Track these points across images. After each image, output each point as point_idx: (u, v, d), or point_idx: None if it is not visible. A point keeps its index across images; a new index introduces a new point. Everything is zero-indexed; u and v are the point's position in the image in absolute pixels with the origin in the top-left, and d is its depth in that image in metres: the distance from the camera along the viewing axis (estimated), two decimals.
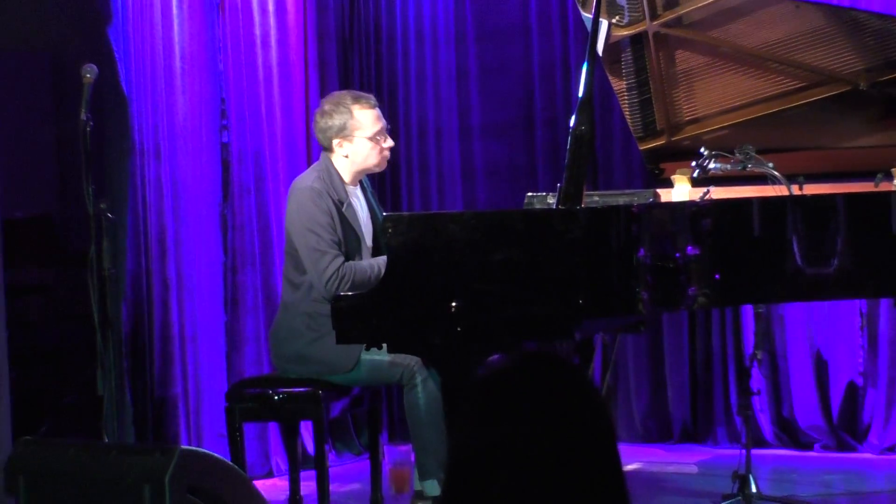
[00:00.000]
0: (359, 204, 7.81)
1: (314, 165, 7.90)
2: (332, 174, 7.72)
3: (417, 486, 7.68)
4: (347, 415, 9.33)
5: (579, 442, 2.51)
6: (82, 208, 7.49)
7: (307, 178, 7.78)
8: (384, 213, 7.61)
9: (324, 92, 9.56)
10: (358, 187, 7.84)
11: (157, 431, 8.74)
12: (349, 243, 7.66)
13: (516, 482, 2.47)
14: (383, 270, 7.04)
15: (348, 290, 7.40)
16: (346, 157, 7.71)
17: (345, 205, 7.69)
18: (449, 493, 2.55)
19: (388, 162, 7.91)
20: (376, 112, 7.75)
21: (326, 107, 7.76)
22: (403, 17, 9.94)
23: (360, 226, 7.72)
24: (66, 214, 9.12)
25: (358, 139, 7.69)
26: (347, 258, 7.62)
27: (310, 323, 7.61)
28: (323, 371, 7.65)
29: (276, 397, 7.80)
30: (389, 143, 7.82)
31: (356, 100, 7.73)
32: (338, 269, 7.51)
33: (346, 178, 7.75)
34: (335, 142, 7.69)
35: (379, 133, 7.73)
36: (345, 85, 9.75)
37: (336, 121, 7.68)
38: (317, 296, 7.59)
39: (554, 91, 9.68)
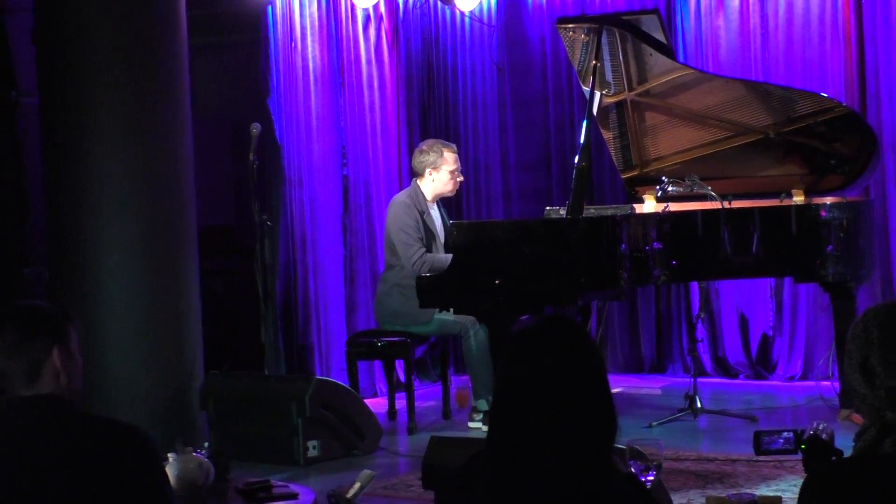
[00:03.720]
0: (436, 215, 7.85)
1: (406, 189, 7.98)
2: (418, 194, 7.79)
3: (473, 403, 7.68)
4: (426, 356, 9.32)
5: (581, 373, 2.49)
6: (251, 219, 7.52)
7: (401, 196, 7.90)
8: (451, 222, 7.62)
9: (411, 143, 9.57)
10: (435, 205, 7.88)
11: (301, 367, 8.74)
12: (427, 239, 7.71)
13: (540, 400, 2.46)
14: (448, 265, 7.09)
15: (427, 272, 7.42)
16: (433, 181, 7.77)
17: (425, 214, 7.75)
18: (496, 408, 2.54)
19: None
20: (456, 156, 7.86)
21: (425, 147, 7.94)
22: (464, 90, 9.90)
23: (435, 229, 7.76)
24: (240, 223, 9.14)
25: (443, 170, 7.78)
26: (426, 249, 7.66)
27: (402, 290, 7.65)
28: (409, 322, 7.69)
29: (379, 344, 7.82)
30: (461, 178, 7.91)
31: (445, 146, 7.90)
32: (421, 256, 7.60)
33: (428, 196, 7.83)
34: (427, 170, 7.79)
35: (456, 170, 7.81)
36: (424, 137, 9.72)
37: (431, 157, 7.79)
38: (405, 273, 7.63)
39: (564, 139, 9.63)
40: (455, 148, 7.97)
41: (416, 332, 7.75)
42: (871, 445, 2.55)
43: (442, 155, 7.83)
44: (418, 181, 7.88)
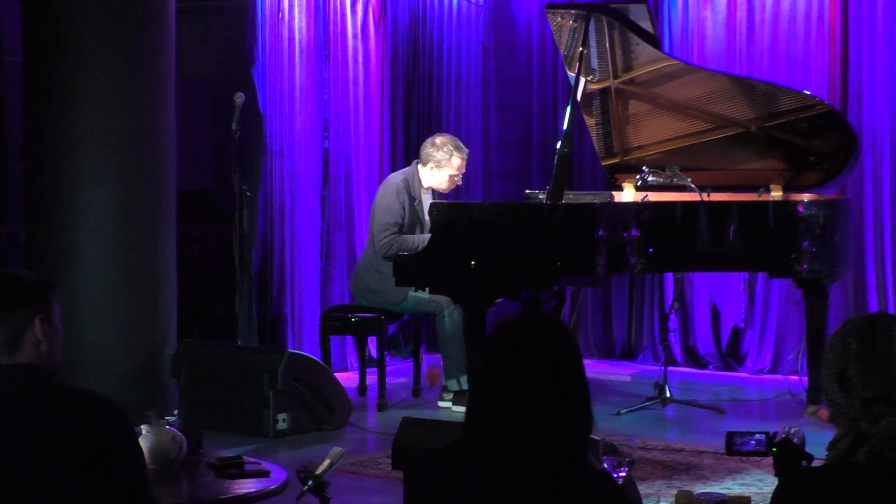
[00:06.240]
0: (427, 202, 7.76)
1: (406, 169, 7.97)
2: (415, 179, 7.77)
3: (444, 382, 7.71)
4: (399, 333, 9.31)
5: (560, 369, 2.50)
6: (230, 187, 7.51)
7: (397, 177, 7.88)
8: (430, 201, 7.61)
9: (394, 117, 9.59)
10: (429, 193, 7.84)
11: (273, 339, 8.74)
12: (413, 224, 7.70)
13: (518, 395, 2.47)
14: (426, 245, 7.08)
15: (394, 252, 7.42)
16: (432, 175, 7.73)
17: (416, 200, 7.73)
18: (474, 400, 2.55)
19: None
20: (464, 161, 7.79)
21: (439, 141, 7.82)
22: (448, 68, 9.88)
23: (424, 216, 7.69)
24: (220, 191, 9.12)
25: (444, 171, 7.73)
26: (410, 232, 7.65)
27: (377, 269, 7.64)
28: (382, 301, 7.69)
29: (352, 319, 7.83)
30: (459, 181, 7.84)
31: (458, 149, 7.79)
32: (389, 240, 7.60)
33: (424, 184, 7.79)
34: (430, 164, 7.75)
35: (458, 175, 7.77)
36: (407, 113, 9.75)
37: (440, 154, 7.72)
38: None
39: (546, 121, 9.63)
40: (467, 153, 7.85)
41: (391, 309, 7.76)
42: (844, 454, 2.58)
43: (450, 158, 7.74)
44: (419, 166, 7.85)
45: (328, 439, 6.71)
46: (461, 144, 7.87)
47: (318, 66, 9.02)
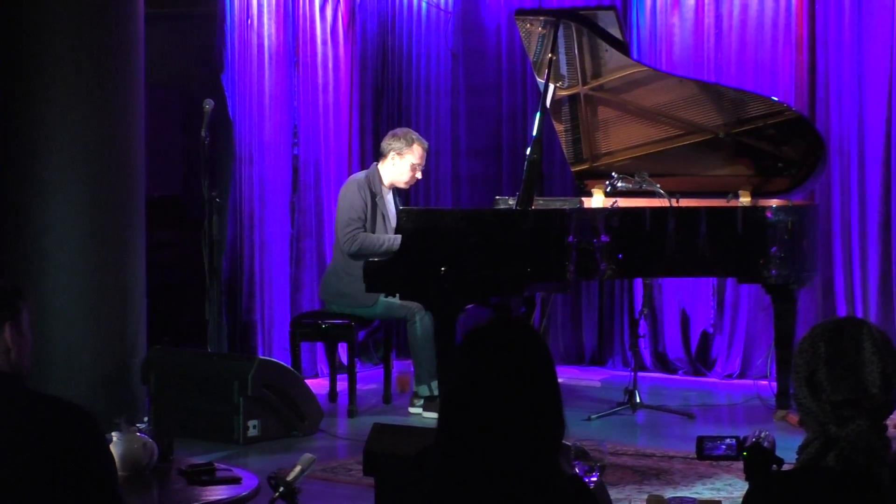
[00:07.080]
0: (389, 201, 7.81)
1: (367, 169, 7.95)
2: (375, 177, 7.79)
3: (415, 388, 7.70)
4: (369, 339, 9.32)
5: (532, 374, 2.51)
6: (200, 194, 7.49)
7: (359, 175, 7.94)
8: (400, 207, 7.62)
9: (363, 125, 9.60)
10: (391, 192, 7.85)
11: (243, 345, 8.72)
12: (377, 222, 7.71)
13: (491, 399, 2.48)
14: (395, 246, 7.07)
15: (360, 251, 7.44)
16: (393, 166, 7.74)
17: (377, 196, 7.74)
18: (446, 404, 2.55)
19: None
20: (424, 153, 7.79)
21: (399, 132, 7.88)
22: (417, 75, 9.89)
23: (388, 213, 7.74)
24: (189, 197, 9.08)
25: (406, 160, 7.74)
26: (374, 232, 7.65)
27: (347, 271, 7.63)
28: (353, 304, 7.69)
29: (322, 325, 7.82)
30: (419, 175, 7.86)
31: (419, 140, 7.81)
32: (353, 235, 7.61)
33: (385, 181, 7.79)
34: (391, 154, 7.76)
35: (419, 164, 7.77)
36: (377, 120, 9.75)
37: (399, 143, 7.75)
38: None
39: (515, 127, 9.65)
40: (427, 145, 7.90)
41: (362, 314, 7.76)
42: (814, 458, 2.59)
43: (411, 146, 7.77)
44: (379, 164, 7.86)
45: (299, 446, 6.69)
46: (421, 137, 7.92)
47: (288, 73, 9.02)
